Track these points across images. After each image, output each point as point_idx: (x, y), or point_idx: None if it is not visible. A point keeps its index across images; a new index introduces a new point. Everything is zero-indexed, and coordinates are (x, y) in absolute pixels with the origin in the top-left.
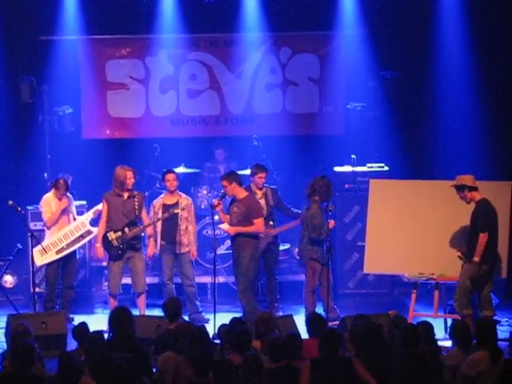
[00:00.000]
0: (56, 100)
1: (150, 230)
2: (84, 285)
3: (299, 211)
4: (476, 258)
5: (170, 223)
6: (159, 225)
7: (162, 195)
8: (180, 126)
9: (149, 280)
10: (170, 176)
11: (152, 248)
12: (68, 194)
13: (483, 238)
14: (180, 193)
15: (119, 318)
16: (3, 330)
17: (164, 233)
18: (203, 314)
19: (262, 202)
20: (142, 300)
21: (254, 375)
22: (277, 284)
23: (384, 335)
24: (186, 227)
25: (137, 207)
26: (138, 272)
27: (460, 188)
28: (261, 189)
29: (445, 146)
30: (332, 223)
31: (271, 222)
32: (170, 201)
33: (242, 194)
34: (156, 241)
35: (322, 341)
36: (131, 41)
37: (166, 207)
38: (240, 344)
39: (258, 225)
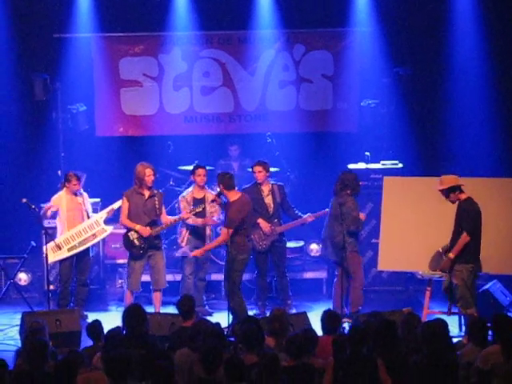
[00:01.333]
0: (70, 98)
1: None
2: (98, 282)
3: (300, 213)
4: (451, 254)
5: (199, 216)
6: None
7: (190, 188)
8: (193, 124)
9: None
10: (200, 171)
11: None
12: (82, 191)
13: (465, 238)
14: (206, 188)
15: (132, 315)
16: (18, 328)
17: (191, 227)
18: (207, 307)
19: (269, 198)
20: (158, 297)
21: (270, 374)
22: (288, 281)
23: (398, 332)
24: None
25: (157, 206)
26: (159, 269)
27: (452, 190)
28: (262, 184)
29: (459, 143)
30: (363, 216)
31: (276, 220)
32: (198, 195)
33: (230, 197)
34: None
35: (349, 339)
36: (145, 38)
37: (195, 201)
38: (251, 342)
39: (222, 237)
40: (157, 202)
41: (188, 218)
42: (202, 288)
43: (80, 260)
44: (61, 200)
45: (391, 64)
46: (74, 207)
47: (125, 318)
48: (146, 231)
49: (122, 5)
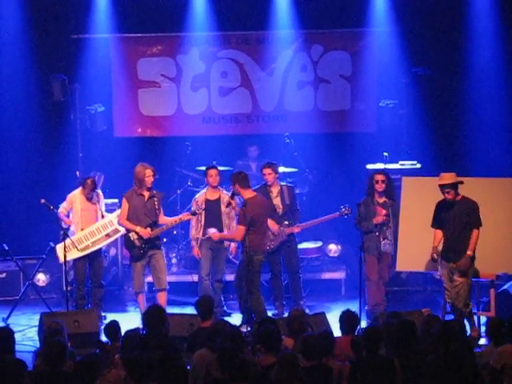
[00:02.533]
0: (88, 98)
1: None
2: (116, 283)
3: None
4: (470, 252)
5: (213, 218)
6: (202, 219)
7: (203, 190)
8: (211, 124)
9: (180, 278)
10: (212, 171)
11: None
12: (98, 190)
13: (478, 233)
14: (221, 188)
15: (152, 316)
16: (36, 329)
17: (206, 228)
18: (225, 308)
19: (278, 200)
20: (163, 297)
21: (289, 375)
22: (300, 282)
23: (417, 332)
24: (229, 223)
25: (157, 207)
26: (161, 269)
27: (455, 185)
28: (271, 186)
29: (477, 143)
30: (377, 219)
31: (286, 222)
32: (212, 196)
33: (245, 195)
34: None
35: (364, 339)
36: (163, 39)
37: (208, 203)
38: (270, 343)
39: (236, 232)
40: (156, 203)
41: (187, 220)
42: (219, 289)
43: (93, 261)
44: (75, 199)
45: (409, 64)
46: (88, 207)
47: (145, 318)
48: (146, 233)
49: (140, 5)
